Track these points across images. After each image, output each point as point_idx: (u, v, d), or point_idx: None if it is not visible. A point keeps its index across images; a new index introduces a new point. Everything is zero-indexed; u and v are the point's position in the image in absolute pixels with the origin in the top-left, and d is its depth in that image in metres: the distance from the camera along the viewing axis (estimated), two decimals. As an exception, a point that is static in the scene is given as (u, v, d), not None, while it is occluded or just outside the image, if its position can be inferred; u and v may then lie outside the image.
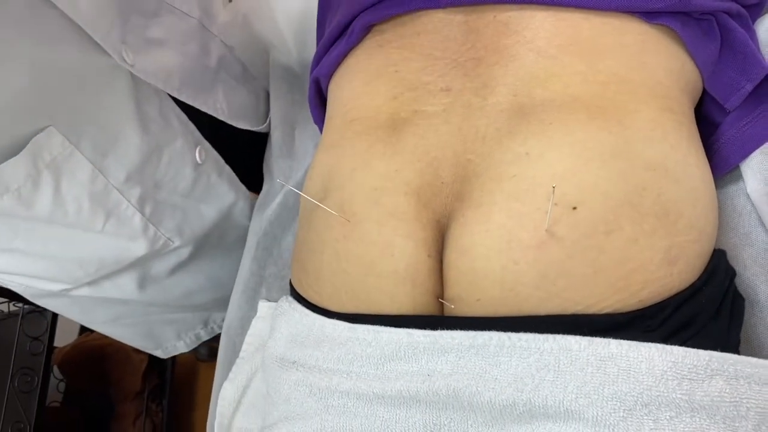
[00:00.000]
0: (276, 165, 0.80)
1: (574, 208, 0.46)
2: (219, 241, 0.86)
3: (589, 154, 0.47)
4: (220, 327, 1.05)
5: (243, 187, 0.84)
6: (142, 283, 0.81)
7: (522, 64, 0.53)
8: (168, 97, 0.71)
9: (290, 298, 0.59)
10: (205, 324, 1.03)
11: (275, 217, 0.76)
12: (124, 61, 0.62)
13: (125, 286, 0.79)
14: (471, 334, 0.47)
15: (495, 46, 0.54)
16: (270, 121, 0.85)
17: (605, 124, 0.49)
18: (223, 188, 0.80)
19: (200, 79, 0.74)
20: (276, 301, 0.65)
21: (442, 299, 0.50)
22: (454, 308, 0.49)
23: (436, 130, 0.53)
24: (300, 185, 0.74)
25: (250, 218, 0.88)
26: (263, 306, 0.73)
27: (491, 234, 0.47)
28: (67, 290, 0.76)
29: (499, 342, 0.46)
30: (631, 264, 0.46)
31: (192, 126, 0.73)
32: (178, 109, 0.72)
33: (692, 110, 0.55)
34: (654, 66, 0.52)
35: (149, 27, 0.68)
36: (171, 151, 0.71)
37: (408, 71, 0.56)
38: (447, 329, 0.48)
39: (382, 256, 0.51)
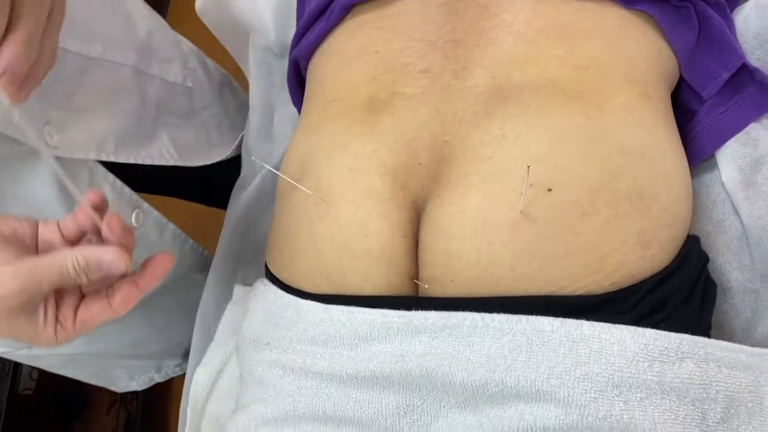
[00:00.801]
0: (254, 148, 0.79)
1: (550, 189, 0.46)
2: (167, 291, 0.84)
3: (565, 138, 0.48)
4: (175, 372, 1.04)
5: (189, 242, 0.81)
6: (89, 339, 0.79)
7: (501, 47, 0.53)
8: (99, 165, 0.67)
9: (265, 280, 0.59)
10: (159, 369, 1.02)
11: (252, 201, 0.76)
12: (47, 145, 0.58)
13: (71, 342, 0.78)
14: (445, 314, 0.47)
15: (474, 28, 0.54)
16: (237, 145, 0.82)
17: (582, 108, 0.49)
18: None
19: (139, 133, 0.70)
20: (251, 285, 0.64)
21: (417, 280, 0.50)
22: (428, 289, 0.49)
23: (414, 111, 0.53)
24: (277, 168, 0.73)
25: (201, 270, 0.85)
26: (239, 290, 0.73)
27: (467, 215, 0.47)
28: (7, 352, 0.74)
29: (472, 323, 0.46)
30: (605, 246, 0.46)
31: (128, 191, 0.70)
32: (111, 176, 0.68)
33: (669, 97, 0.55)
34: (632, 51, 0.52)
35: (75, 95, 0.63)
36: None
37: (387, 52, 0.56)
38: (421, 310, 0.48)
39: (357, 237, 0.50)
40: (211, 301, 0.76)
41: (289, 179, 0.53)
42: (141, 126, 0.71)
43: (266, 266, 0.60)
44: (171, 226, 0.77)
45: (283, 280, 0.56)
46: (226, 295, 0.75)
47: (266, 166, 0.56)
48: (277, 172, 0.56)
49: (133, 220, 0.71)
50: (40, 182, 0.61)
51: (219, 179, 0.87)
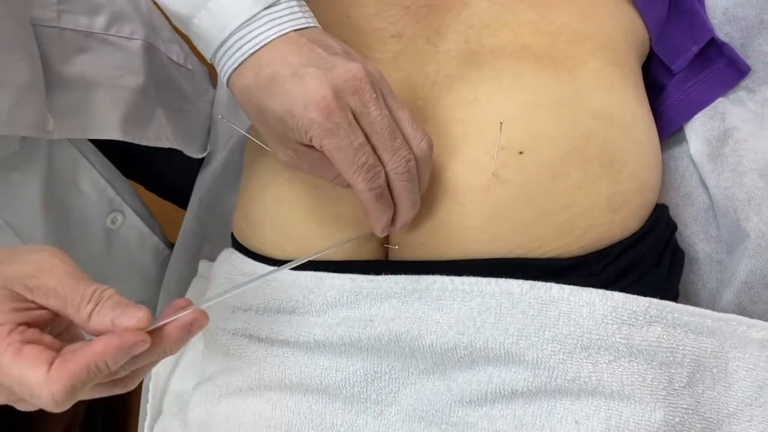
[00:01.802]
0: (222, 123, 0.78)
1: (521, 152, 0.46)
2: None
3: (537, 101, 0.47)
4: None
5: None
6: None
7: (474, 12, 0.52)
8: (85, 160, 0.66)
9: (231, 249, 0.57)
10: None
11: (219, 175, 0.74)
12: (45, 131, 0.57)
13: None
14: (414, 278, 0.46)
15: None
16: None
17: (554, 73, 0.49)
18: (143, 260, 0.75)
19: (141, 112, 0.68)
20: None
21: (387, 244, 0.49)
22: (398, 252, 0.49)
23: (386, 76, 0.52)
24: (244, 141, 0.72)
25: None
26: (204, 265, 0.71)
27: (438, 177, 0.47)
28: None
29: (442, 286, 0.46)
30: (574, 209, 0.46)
31: (110, 192, 0.69)
32: (95, 173, 0.67)
33: (639, 67, 0.56)
34: (603, 19, 0.52)
35: (73, 75, 0.61)
36: (78, 214, 0.67)
37: (359, 17, 0.55)
38: (391, 274, 0.47)
39: (327, 201, 0.49)
40: (176, 276, 0.74)
41: (258, 141, 0.52)
42: (144, 105, 0.69)
43: (232, 235, 0.58)
44: (154, 239, 0.75)
45: (249, 248, 0.55)
46: (191, 270, 0.73)
47: (236, 127, 0.54)
48: (247, 134, 0.55)
49: (108, 221, 0.70)
50: (28, 175, 0.60)
51: (178, 177, 0.85)
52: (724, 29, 0.58)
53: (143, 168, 0.80)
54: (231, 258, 0.55)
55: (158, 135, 0.70)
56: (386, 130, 0.42)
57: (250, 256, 0.54)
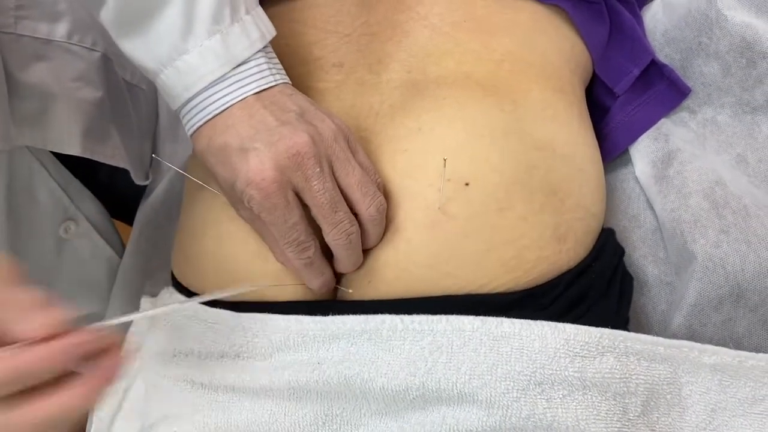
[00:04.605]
0: (162, 150, 0.75)
1: (467, 184, 0.45)
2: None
3: (481, 131, 0.47)
4: None
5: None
6: None
7: (415, 41, 0.51)
8: (43, 169, 0.64)
9: (171, 289, 0.55)
10: None
11: (160, 205, 0.71)
12: (8, 138, 0.56)
13: None
14: (362, 318, 0.45)
15: (389, 21, 0.52)
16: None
17: (498, 102, 0.48)
18: (95, 272, 0.72)
19: (97, 127, 0.66)
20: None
21: (338, 285, 0.48)
22: (344, 292, 0.47)
23: (327, 107, 0.51)
24: (184, 169, 0.69)
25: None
26: (146, 302, 0.68)
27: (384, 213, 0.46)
28: None
29: (391, 326, 0.44)
30: (522, 241, 0.45)
31: (66, 201, 0.67)
32: (53, 183, 0.66)
33: (583, 92, 0.55)
34: (546, 46, 0.52)
35: (33, 85, 0.60)
36: (30, 223, 0.65)
37: (298, 45, 0.53)
38: (339, 314, 0.46)
39: None
40: (118, 312, 0.71)
41: (195, 179, 0.50)
42: (101, 120, 0.67)
43: (172, 274, 0.56)
44: (108, 251, 0.72)
45: (190, 288, 0.52)
46: (132, 308, 0.70)
47: (172, 166, 0.52)
48: (184, 173, 0.52)
49: (61, 231, 0.68)
50: None
51: (128, 189, 0.82)
52: (664, 51, 0.59)
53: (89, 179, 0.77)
54: (171, 299, 0.53)
55: (113, 153, 0.68)
56: (327, 204, 0.43)
57: (190, 296, 0.52)
